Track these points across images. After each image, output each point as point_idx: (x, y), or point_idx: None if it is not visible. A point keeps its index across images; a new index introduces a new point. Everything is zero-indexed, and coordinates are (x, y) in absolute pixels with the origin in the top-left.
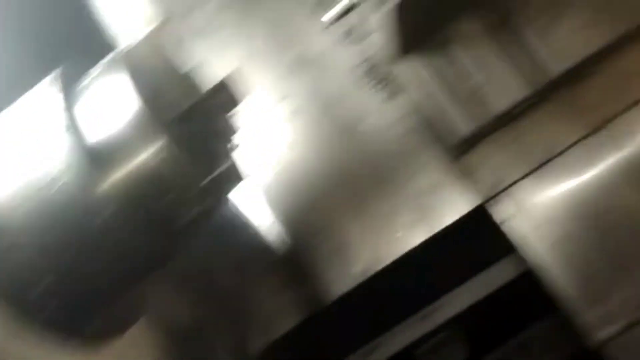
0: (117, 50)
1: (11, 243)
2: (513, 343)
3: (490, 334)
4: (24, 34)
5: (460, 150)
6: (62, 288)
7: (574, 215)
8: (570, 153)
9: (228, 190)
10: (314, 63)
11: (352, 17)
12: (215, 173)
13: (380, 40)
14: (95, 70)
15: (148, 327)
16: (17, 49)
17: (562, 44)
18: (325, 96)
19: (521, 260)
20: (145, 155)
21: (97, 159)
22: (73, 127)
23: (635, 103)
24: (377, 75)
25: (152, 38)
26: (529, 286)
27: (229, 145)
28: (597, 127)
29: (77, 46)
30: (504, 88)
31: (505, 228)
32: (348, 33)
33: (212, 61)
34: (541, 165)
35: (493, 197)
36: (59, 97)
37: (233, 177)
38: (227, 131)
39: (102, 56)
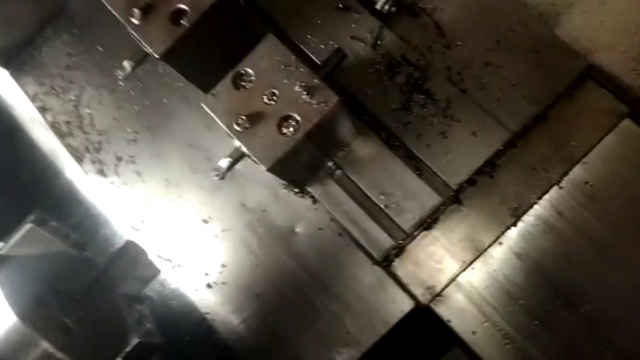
0: None
1: None
2: None
3: None
4: None
5: (388, 260)
6: None
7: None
8: (492, 249)
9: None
10: (233, 178)
11: None
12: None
13: None
14: None
15: None
16: None
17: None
18: (252, 208)
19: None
20: None
21: None
22: None
23: (541, 196)
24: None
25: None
26: None
27: (139, 310)
28: (512, 223)
29: None
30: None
31: (450, 324)
32: None
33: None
34: (471, 263)
35: (435, 297)
36: None
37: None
38: (137, 296)
39: None
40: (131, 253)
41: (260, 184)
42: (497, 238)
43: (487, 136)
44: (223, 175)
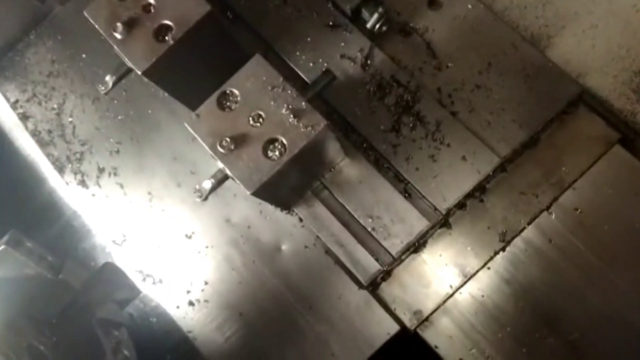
0: None
1: None
2: None
3: None
4: None
5: (374, 284)
6: None
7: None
8: (480, 274)
9: None
10: (218, 193)
11: None
12: None
13: None
14: None
15: None
16: None
17: (441, 189)
18: (236, 224)
19: None
20: None
21: None
22: None
23: (530, 221)
24: None
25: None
26: None
27: (116, 336)
28: (501, 248)
29: None
30: (406, 222)
31: (437, 350)
32: None
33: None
34: (459, 288)
35: (422, 322)
36: None
37: None
38: (114, 321)
39: None
40: (109, 275)
41: (246, 199)
42: (486, 263)
43: (477, 161)
44: (206, 196)
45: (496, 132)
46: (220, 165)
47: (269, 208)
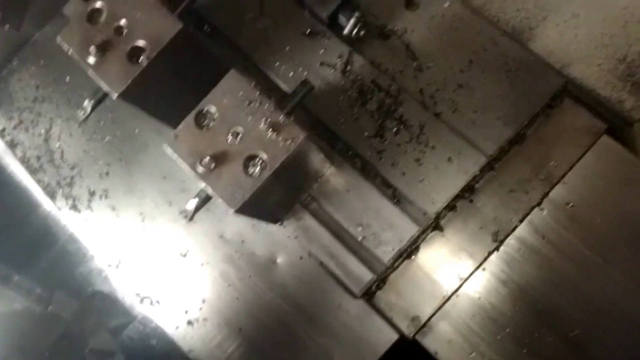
0: None
1: None
2: None
3: None
4: None
5: (369, 293)
6: None
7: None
8: (475, 276)
9: None
10: (210, 209)
11: None
12: None
13: None
14: None
15: None
16: None
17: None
18: (230, 239)
19: None
20: None
21: None
22: None
23: (522, 219)
24: None
25: None
26: None
27: None
28: (494, 248)
29: None
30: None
31: (437, 356)
32: None
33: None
34: (455, 291)
35: (420, 329)
36: None
37: None
38: (108, 351)
39: None
40: (99, 304)
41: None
42: (481, 264)
43: (463, 162)
44: (191, 217)
45: (481, 131)
46: (203, 184)
47: (262, 221)
